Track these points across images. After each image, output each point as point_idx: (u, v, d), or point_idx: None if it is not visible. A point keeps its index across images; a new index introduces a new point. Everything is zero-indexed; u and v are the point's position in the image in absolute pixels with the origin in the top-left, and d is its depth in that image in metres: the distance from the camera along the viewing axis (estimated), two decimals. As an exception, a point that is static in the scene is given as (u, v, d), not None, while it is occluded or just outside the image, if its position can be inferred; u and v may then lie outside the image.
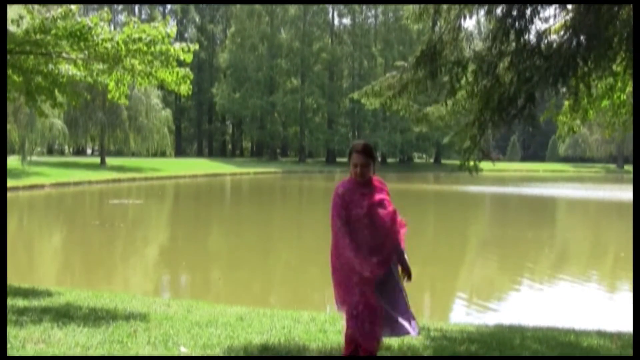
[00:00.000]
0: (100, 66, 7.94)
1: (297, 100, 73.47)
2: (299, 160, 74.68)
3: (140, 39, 7.42)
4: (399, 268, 4.23)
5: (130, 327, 5.43)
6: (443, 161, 76.15)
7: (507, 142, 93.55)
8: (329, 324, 5.97)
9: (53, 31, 7.41)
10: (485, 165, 6.35)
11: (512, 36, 5.53)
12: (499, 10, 5.70)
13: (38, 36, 7.49)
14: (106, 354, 4.57)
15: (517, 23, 5.47)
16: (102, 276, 12.56)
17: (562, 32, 5.54)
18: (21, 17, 7.75)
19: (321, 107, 74.70)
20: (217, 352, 4.77)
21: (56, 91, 8.55)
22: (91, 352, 4.59)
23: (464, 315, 9.68)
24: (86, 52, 7.70)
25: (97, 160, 52.12)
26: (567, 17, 5.66)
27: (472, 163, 5.91)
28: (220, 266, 13.86)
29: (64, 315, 5.97)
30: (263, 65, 72.93)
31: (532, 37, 5.62)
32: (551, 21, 5.83)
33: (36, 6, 8.14)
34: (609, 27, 5.12)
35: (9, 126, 34.15)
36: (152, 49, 7.48)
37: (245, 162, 66.22)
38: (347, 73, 79.21)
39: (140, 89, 43.22)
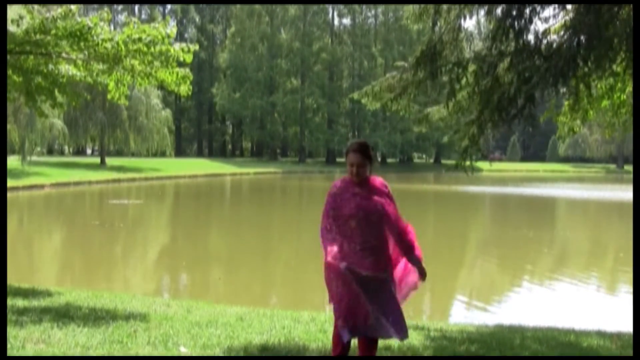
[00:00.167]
0: (100, 66, 7.93)
1: (297, 101, 73.47)
2: (299, 161, 74.67)
3: (140, 39, 7.42)
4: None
5: (130, 327, 5.42)
6: (443, 161, 76.15)
7: (507, 142, 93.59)
8: (329, 324, 5.96)
9: (53, 31, 7.40)
10: (485, 165, 6.40)
11: (511, 36, 5.53)
12: (498, 10, 5.70)
13: (38, 36, 7.49)
14: (106, 354, 4.56)
15: (516, 23, 5.47)
16: (102, 276, 12.56)
17: (562, 32, 5.55)
18: (21, 17, 7.74)
19: (321, 107, 74.70)
20: (217, 352, 4.77)
21: (56, 91, 8.54)
22: (91, 352, 4.59)
23: (464, 315, 9.69)
24: (86, 52, 7.70)
25: (97, 160, 52.14)
26: (567, 17, 5.66)
27: (468, 163, 5.92)
28: (220, 266, 13.86)
29: (64, 315, 5.96)
30: (263, 65, 72.93)
31: (532, 37, 5.62)
32: (551, 21, 5.84)
33: (36, 6, 8.14)
34: (609, 27, 5.12)
35: (9, 126, 34.17)
36: (152, 49, 7.48)
37: (245, 162, 66.22)
38: (347, 73, 79.18)
39: (140, 89, 43.20)
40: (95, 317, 5.98)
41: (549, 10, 5.78)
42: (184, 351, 4.74)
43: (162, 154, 55.33)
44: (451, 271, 13.73)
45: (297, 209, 29.34)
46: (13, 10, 8.37)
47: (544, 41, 5.63)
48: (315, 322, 6.12)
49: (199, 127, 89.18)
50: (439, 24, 6.17)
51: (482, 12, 5.98)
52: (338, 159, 71.77)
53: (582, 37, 5.19)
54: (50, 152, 53.95)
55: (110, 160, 51.07)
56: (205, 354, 4.70)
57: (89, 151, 75.32)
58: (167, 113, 55.87)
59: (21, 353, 4.48)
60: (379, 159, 73.41)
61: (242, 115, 74.23)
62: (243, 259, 14.59)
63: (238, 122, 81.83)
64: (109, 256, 15.11)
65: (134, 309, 6.68)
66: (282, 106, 72.32)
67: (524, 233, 19.67)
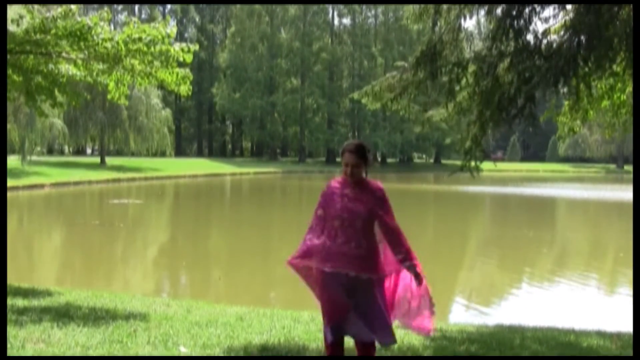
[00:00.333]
0: (100, 66, 7.93)
1: (297, 100, 73.45)
2: (298, 160, 74.67)
3: (140, 39, 7.41)
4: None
5: (130, 327, 5.42)
6: (443, 161, 76.16)
7: (507, 142, 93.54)
8: (328, 324, 5.96)
9: (53, 31, 7.40)
10: (485, 165, 6.36)
11: (511, 36, 5.53)
12: (498, 10, 5.70)
13: (38, 36, 7.48)
14: (106, 354, 4.56)
15: (516, 23, 5.47)
16: (102, 276, 12.56)
17: (562, 32, 5.54)
18: (21, 17, 7.74)
19: (321, 107, 74.67)
20: (217, 352, 4.77)
21: (56, 91, 8.54)
22: (91, 352, 4.59)
23: (464, 315, 9.68)
24: (86, 52, 7.69)
25: (97, 160, 52.12)
26: (567, 17, 5.66)
27: (473, 164, 5.91)
28: (220, 266, 13.86)
29: (64, 315, 5.96)
30: (263, 65, 72.90)
31: (531, 37, 5.62)
32: (551, 21, 5.84)
33: (36, 6, 8.14)
34: (609, 27, 5.12)
35: (9, 126, 34.15)
36: (152, 49, 7.47)
37: (245, 162, 66.21)
38: (347, 73, 79.15)
39: (140, 89, 43.20)
40: (95, 317, 5.98)
41: (548, 10, 5.79)
42: (183, 351, 4.74)
43: (162, 154, 55.31)
44: (451, 271, 13.72)
45: (297, 209, 29.32)
46: (13, 10, 8.37)
47: (544, 41, 5.63)
48: (315, 322, 6.11)
49: (199, 127, 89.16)
50: (439, 24, 6.17)
51: (482, 12, 5.97)
52: (338, 159, 70.81)
53: (582, 37, 5.19)
54: (50, 151, 53.91)
55: (110, 160, 51.06)
56: (205, 354, 4.70)
57: (89, 151, 75.29)
58: (167, 113, 55.87)
59: (21, 353, 4.48)
60: (379, 159, 73.43)
61: (242, 115, 74.21)
62: (243, 259, 14.58)
63: (238, 122, 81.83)
64: (109, 256, 15.11)
65: (134, 309, 6.68)
66: (282, 106, 72.31)
67: (524, 233, 19.66)
